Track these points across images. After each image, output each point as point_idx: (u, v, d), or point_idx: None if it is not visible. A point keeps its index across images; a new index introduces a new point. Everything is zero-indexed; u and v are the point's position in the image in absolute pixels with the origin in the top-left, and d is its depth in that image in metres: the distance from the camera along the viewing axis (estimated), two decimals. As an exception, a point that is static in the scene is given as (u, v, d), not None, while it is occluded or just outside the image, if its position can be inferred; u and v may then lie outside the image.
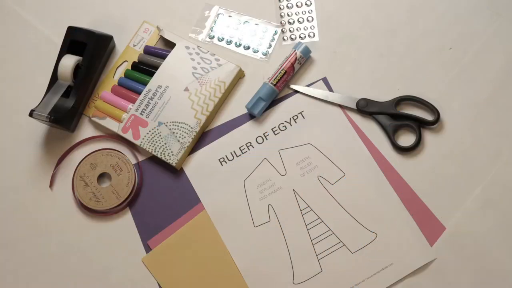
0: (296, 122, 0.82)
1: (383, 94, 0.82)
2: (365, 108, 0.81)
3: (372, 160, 0.78)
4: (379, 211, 0.76)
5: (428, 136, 0.80)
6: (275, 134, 0.81)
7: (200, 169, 0.81)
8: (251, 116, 0.83)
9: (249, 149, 0.81)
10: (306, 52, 0.83)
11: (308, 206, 0.78)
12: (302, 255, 0.76)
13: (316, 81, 0.83)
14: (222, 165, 0.81)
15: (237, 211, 0.79)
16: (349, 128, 0.81)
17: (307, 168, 0.79)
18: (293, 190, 0.79)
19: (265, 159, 0.80)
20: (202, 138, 0.83)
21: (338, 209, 0.77)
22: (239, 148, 0.81)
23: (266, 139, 0.81)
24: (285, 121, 0.82)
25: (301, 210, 0.78)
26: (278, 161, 0.80)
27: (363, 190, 0.78)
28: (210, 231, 0.79)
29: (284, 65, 0.82)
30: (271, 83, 0.82)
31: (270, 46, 0.86)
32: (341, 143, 0.80)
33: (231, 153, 0.81)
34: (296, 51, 0.83)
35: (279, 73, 0.82)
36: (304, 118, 0.82)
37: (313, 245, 0.76)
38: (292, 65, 0.82)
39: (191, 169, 0.81)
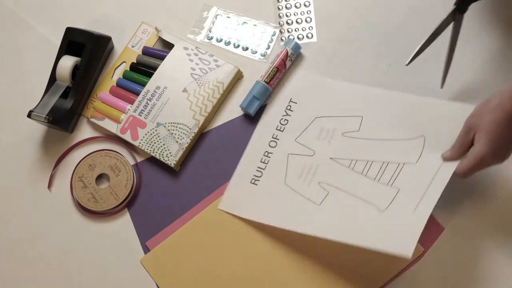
0: (292, 110, 0.82)
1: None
2: None
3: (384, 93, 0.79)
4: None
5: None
6: (282, 131, 0.81)
7: (238, 200, 0.79)
8: (248, 116, 0.83)
9: (269, 157, 0.80)
10: (297, 49, 0.83)
11: (351, 159, 0.77)
12: (375, 193, 0.74)
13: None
14: (256, 184, 0.80)
15: (297, 205, 0.77)
16: (338, 82, 0.82)
17: (328, 135, 0.79)
18: (330, 158, 0.78)
19: (289, 155, 0.80)
20: (200, 139, 0.83)
21: (376, 142, 0.77)
22: (261, 161, 0.80)
23: (278, 139, 0.81)
24: (283, 116, 0.82)
25: (348, 167, 0.77)
26: (301, 148, 0.80)
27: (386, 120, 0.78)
28: (209, 232, 0.79)
29: (276, 62, 0.83)
30: (264, 81, 0.82)
31: (268, 47, 0.86)
32: (341, 98, 0.81)
33: (257, 170, 0.80)
34: (287, 48, 0.83)
35: (272, 71, 0.82)
36: (296, 103, 0.82)
37: (378, 180, 0.75)
38: (284, 62, 0.83)
39: (226, 206, 0.79)
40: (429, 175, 0.72)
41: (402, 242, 0.68)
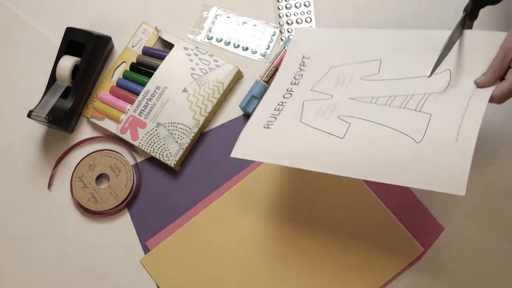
0: (306, 65, 0.78)
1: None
2: None
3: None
4: None
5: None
6: (297, 84, 0.77)
7: (251, 144, 0.72)
8: (248, 116, 0.83)
9: (283, 105, 0.75)
10: None
11: (373, 97, 0.71)
12: (405, 120, 0.67)
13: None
14: (270, 128, 0.73)
15: (317, 142, 0.69)
16: (351, 29, 0.79)
17: (346, 81, 0.74)
18: (350, 98, 0.72)
19: (304, 101, 0.75)
20: (200, 139, 0.83)
21: (399, 81, 0.72)
22: (274, 110, 0.75)
23: (293, 91, 0.76)
24: (296, 72, 0.78)
25: (370, 103, 0.71)
26: (317, 95, 0.75)
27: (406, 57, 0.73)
28: (209, 232, 0.79)
29: (275, 62, 0.83)
30: (263, 80, 0.82)
31: (268, 47, 0.86)
32: (355, 45, 0.77)
33: (270, 117, 0.74)
34: (286, 47, 0.83)
35: (271, 70, 0.82)
36: (309, 58, 0.79)
37: (404, 108, 0.68)
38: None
39: (239, 152, 0.72)
40: (463, 100, 0.66)
41: (452, 178, 0.60)
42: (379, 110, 0.69)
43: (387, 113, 0.69)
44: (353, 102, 0.72)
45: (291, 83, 0.77)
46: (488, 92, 0.65)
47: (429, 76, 0.69)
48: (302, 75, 0.77)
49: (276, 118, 0.73)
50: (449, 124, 0.64)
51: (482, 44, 0.69)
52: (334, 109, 0.72)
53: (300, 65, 0.79)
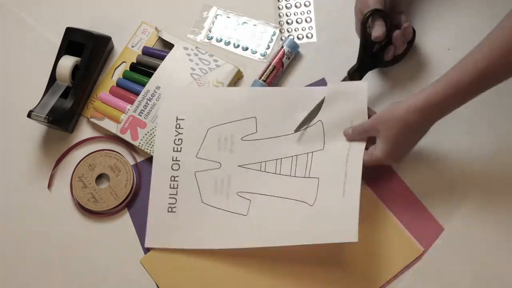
0: (182, 128, 0.80)
1: (382, 95, 0.82)
2: None
3: None
4: None
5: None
6: (180, 151, 0.80)
7: (161, 233, 0.78)
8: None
9: (177, 181, 0.79)
10: (294, 47, 0.83)
11: (260, 162, 0.78)
12: (298, 188, 0.76)
13: (314, 82, 0.83)
14: (174, 212, 0.78)
15: (224, 221, 0.77)
16: (220, 88, 0.83)
17: (228, 143, 0.79)
18: (238, 166, 0.78)
19: (196, 173, 0.79)
20: (200, 139, 0.83)
21: (278, 139, 0.79)
22: (170, 187, 0.79)
23: (179, 160, 0.79)
24: (175, 136, 0.80)
25: (260, 170, 0.78)
26: (205, 163, 0.79)
27: None
28: (209, 232, 0.79)
29: (273, 61, 0.83)
30: (262, 80, 0.82)
31: (268, 47, 0.86)
32: (228, 103, 0.81)
33: (169, 198, 0.79)
34: (284, 46, 0.83)
35: (269, 70, 0.82)
36: (183, 119, 0.80)
37: (294, 175, 0.76)
38: (281, 60, 0.83)
39: (151, 242, 0.78)
40: (342, 157, 0.74)
41: (344, 229, 0.70)
42: (272, 181, 0.77)
43: (280, 183, 0.76)
44: (244, 171, 0.78)
45: (173, 150, 0.80)
46: (361, 145, 0.74)
47: (295, 131, 0.77)
48: (181, 140, 0.79)
49: (176, 199, 0.78)
50: (335, 183, 0.73)
51: (346, 94, 0.76)
52: (229, 184, 0.78)
53: (176, 127, 0.80)
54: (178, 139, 0.80)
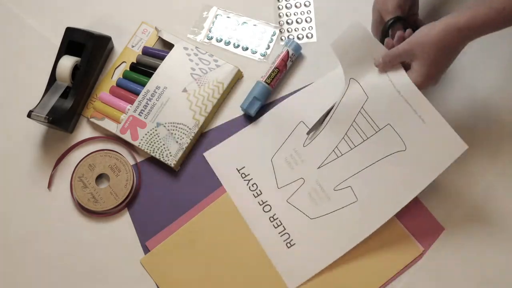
0: (248, 174, 0.81)
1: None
2: None
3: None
4: None
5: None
6: (260, 194, 0.80)
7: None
8: (248, 116, 0.83)
9: (278, 219, 0.79)
10: (297, 49, 0.83)
11: (332, 150, 0.77)
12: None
13: (314, 82, 0.83)
14: (293, 245, 0.77)
15: (342, 224, 0.77)
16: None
17: (295, 157, 0.79)
18: (318, 168, 0.78)
19: (287, 203, 0.79)
20: (200, 139, 0.83)
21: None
22: (276, 225, 0.79)
23: (270, 206, 0.79)
24: (246, 185, 0.80)
25: (338, 158, 0.77)
26: (291, 187, 0.79)
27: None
28: (209, 232, 0.79)
29: (277, 63, 0.83)
30: (265, 81, 0.82)
31: (268, 47, 0.86)
32: (271, 124, 0.82)
33: (280, 235, 0.78)
34: (288, 48, 0.83)
35: (273, 72, 0.82)
36: (245, 167, 0.81)
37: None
38: (285, 62, 0.83)
39: None
40: (391, 90, 0.71)
41: (448, 147, 0.69)
42: (354, 156, 0.75)
43: (363, 152, 0.75)
44: (327, 168, 0.77)
45: (255, 197, 0.80)
46: (401, 70, 0.71)
47: (307, 134, 0.78)
48: (255, 184, 0.80)
49: (288, 234, 0.78)
50: (407, 115, 0.70)
51: (352, 44, 0.74)
52: (322, 187, 0.78)
53: (243, 177, 0.81)
54: (252, 185, 0.80)
